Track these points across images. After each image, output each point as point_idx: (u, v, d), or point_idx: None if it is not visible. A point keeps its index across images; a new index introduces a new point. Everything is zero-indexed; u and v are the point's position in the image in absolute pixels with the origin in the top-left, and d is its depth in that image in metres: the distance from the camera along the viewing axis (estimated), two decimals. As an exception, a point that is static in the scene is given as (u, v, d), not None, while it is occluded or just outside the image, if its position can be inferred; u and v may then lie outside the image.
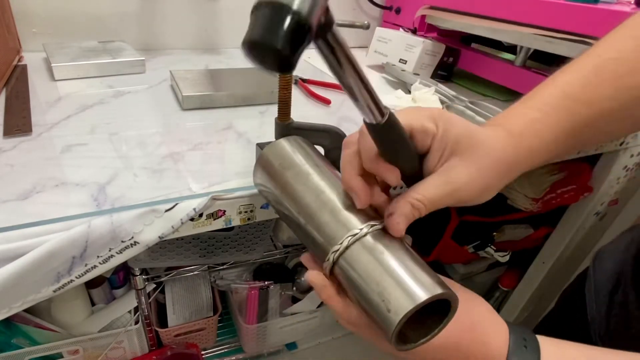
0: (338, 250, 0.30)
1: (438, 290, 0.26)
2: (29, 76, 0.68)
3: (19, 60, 0.74)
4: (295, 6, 0.17)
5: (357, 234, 0.30)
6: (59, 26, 0.80)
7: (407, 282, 0.27)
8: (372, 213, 0.32)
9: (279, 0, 0.17)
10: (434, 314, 0.29)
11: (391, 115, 0.27)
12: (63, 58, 0.69)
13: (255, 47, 0.18)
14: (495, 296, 1.10)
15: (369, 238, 0.29)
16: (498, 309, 1.11)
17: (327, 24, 0.20)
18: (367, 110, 0.26)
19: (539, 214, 0.82)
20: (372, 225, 0.30)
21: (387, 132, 0.28)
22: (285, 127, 0.43)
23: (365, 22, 0.38)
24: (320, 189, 0.34)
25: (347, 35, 1.02)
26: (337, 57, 0.22)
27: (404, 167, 0.31)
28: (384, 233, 0.30)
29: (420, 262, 0.29)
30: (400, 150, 0.30)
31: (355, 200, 0.31)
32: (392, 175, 0.30)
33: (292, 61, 0.18)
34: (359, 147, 0.31)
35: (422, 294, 0.26)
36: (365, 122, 0.28)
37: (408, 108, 0.32)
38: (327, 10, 0.19)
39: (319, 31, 0.20)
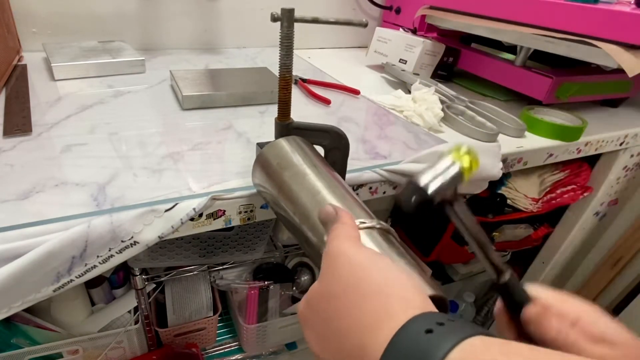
0: None
1: (428, 292, 0.26)
2: (29, 76, 0.68)
3: (19, 60, 0.74)
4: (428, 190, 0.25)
5: None
6: (59, 26, 0.80)
7: None
8: (365, 213, 0.32)
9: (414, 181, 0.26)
10: None
11: (512, 278, 0.28)
12: (63, 58, 0.69)
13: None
14: (495, 296, 1.10)
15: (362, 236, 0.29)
16: (498, 309, 1.10)
17: (450, 201, 0.27)
18: (488, 268, 0.29)
19: (539, 214, 0.82)
20: (363, 223, 0.30)
21: (508, 294, 0.29)
22: (285, 127, 0.43)
23: (364, 19, 0.38)
24: (317, 189, 0.34)
25: (346, 35, 1.02)
26: (458, 223, 0.28)
27: None
28: (376, 232, 0.30)
29: (412, 263, 0.29)
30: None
31: None
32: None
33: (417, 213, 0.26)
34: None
35: None
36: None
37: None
38: (453, 194, 0.26)
39: (444, 203, 0.27)
